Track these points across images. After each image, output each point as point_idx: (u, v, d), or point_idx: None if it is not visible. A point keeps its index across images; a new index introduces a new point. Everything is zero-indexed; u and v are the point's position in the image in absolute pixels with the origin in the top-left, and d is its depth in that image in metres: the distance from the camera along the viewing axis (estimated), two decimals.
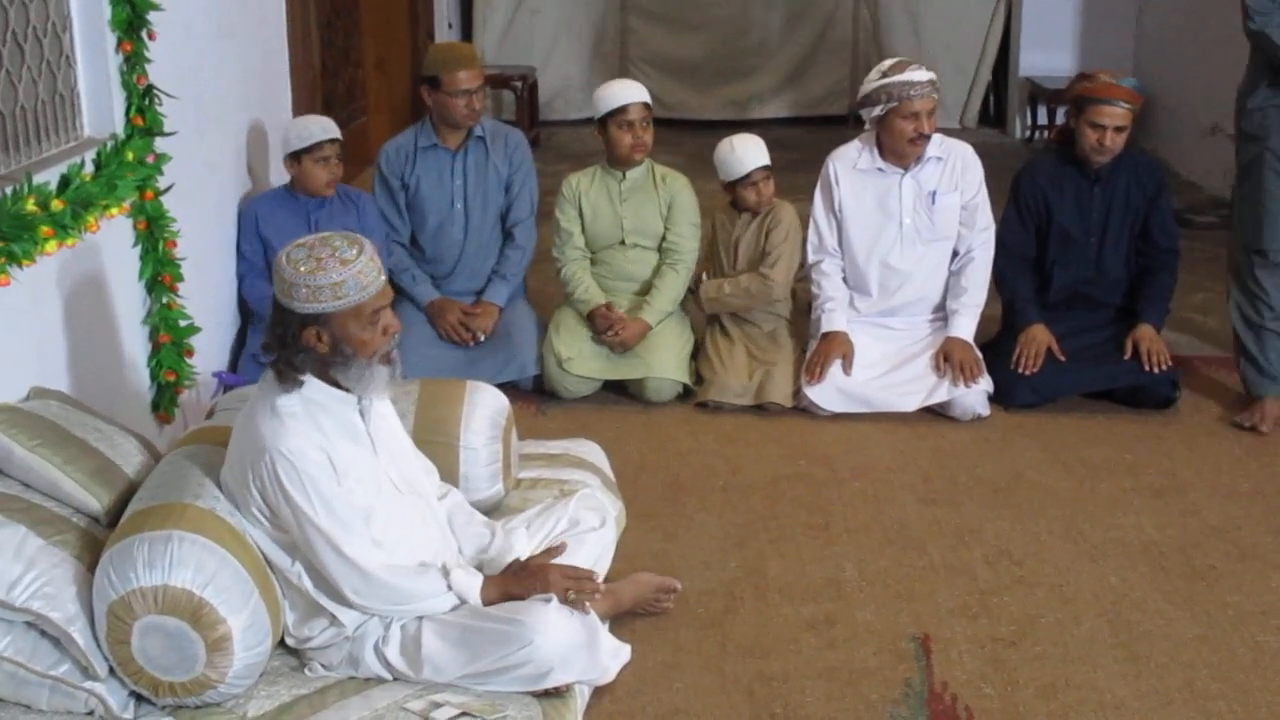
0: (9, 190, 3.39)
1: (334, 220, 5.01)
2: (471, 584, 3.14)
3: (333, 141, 5.01)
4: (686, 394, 5.18)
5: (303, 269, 2.96)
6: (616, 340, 5.11)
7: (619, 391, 5.19)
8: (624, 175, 5.24)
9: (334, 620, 3.13)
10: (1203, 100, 8.27)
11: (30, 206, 3.42)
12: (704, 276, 5.39)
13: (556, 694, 3.10)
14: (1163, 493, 4.40)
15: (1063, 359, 5.03)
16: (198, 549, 2.95)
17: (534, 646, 3.04)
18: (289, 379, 3.03)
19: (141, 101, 4.11)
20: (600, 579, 3.56)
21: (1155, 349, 4.99)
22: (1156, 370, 4.97)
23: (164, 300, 4.28)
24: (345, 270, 2.96)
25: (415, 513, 3.25)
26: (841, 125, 10.59)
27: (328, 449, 3.04)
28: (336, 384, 3.08)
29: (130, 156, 4.00)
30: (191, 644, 2.92)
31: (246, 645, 2.97)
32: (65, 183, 3.66)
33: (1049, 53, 9.84)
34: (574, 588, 3.17)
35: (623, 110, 5.16)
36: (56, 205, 3.52)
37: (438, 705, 3.02)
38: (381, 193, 5.33)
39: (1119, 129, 4.93)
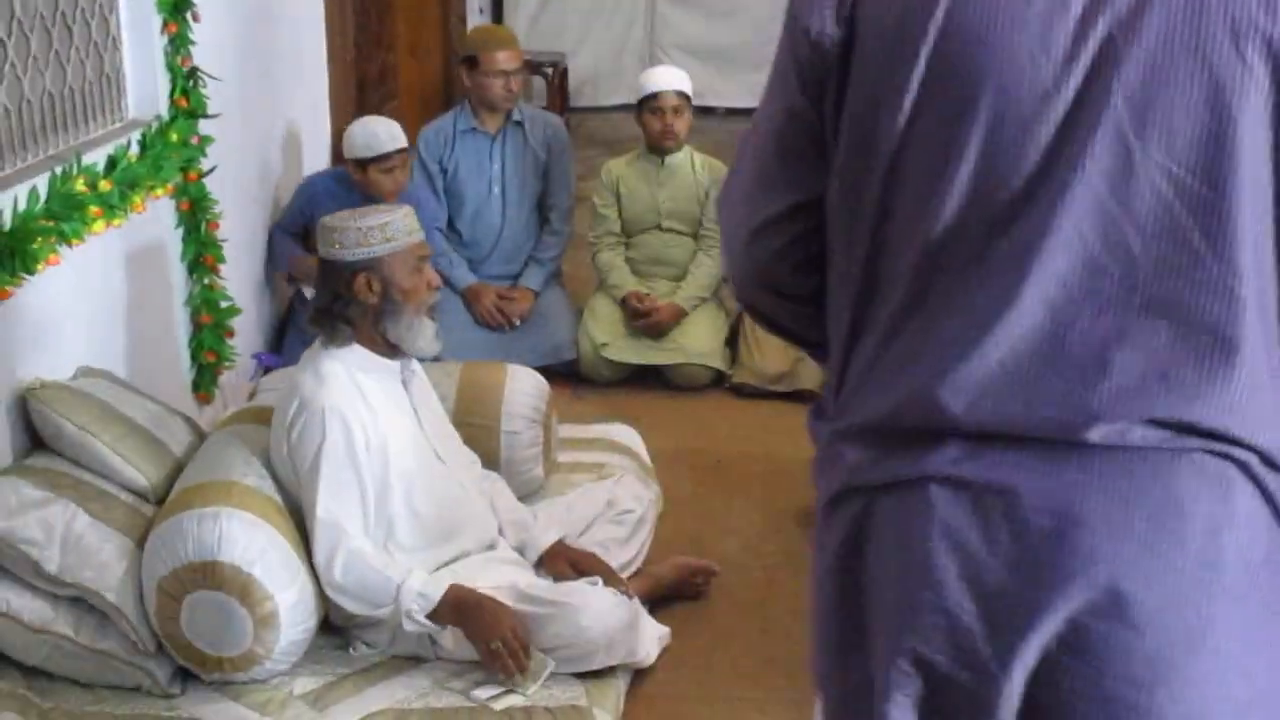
0: (58, 170, 3.42)
1: None
2: (425, 596, 3.05)
3: (400, 152, 4.80)
4: (719, 380, 5.19)
5: (349, 218, 3.09)
6: (650, 324, 5.12)
7: (653, 377, 5.20)
8: (662, 161, 5.25)
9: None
10: None
11: (80, 187, 3.45)
12: None
13: (599, 675, 3.12)
14: None
15: None
16: (246, 526, 2.98)
17: (581, 628, 3.07)
18: (340, 334, 3.08)
19: (185, 83, 4.14)
20: (637, 562, 3.61)
21: None
22: None
23: (205, 281, 4.31)
24: (389, 215, 3.10)
25: (455, 483, 3.28)
26: None
27: (365, 417, 3.08)
28: (383, 342, 3.12)
29: (174, 138, 4.03)
30: (239, 619, 2.95)
31: (293, 621, 3.00)
32: (112, 163, 3.69)
33: None
34: (504, 655, 3.01)
35: (655, 97, 5.18)
36: (104, 186, 3.55)
37: (479, 683, 3.05)
38: (420, 176, 5.34)
39: None
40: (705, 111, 10.16)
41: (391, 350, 3.17)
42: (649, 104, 5.20)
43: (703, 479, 4.40)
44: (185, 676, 3.06)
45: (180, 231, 4.24)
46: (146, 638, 2.99)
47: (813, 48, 1.59)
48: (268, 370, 4.47)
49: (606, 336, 5.15)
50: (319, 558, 3.06)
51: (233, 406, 4.49)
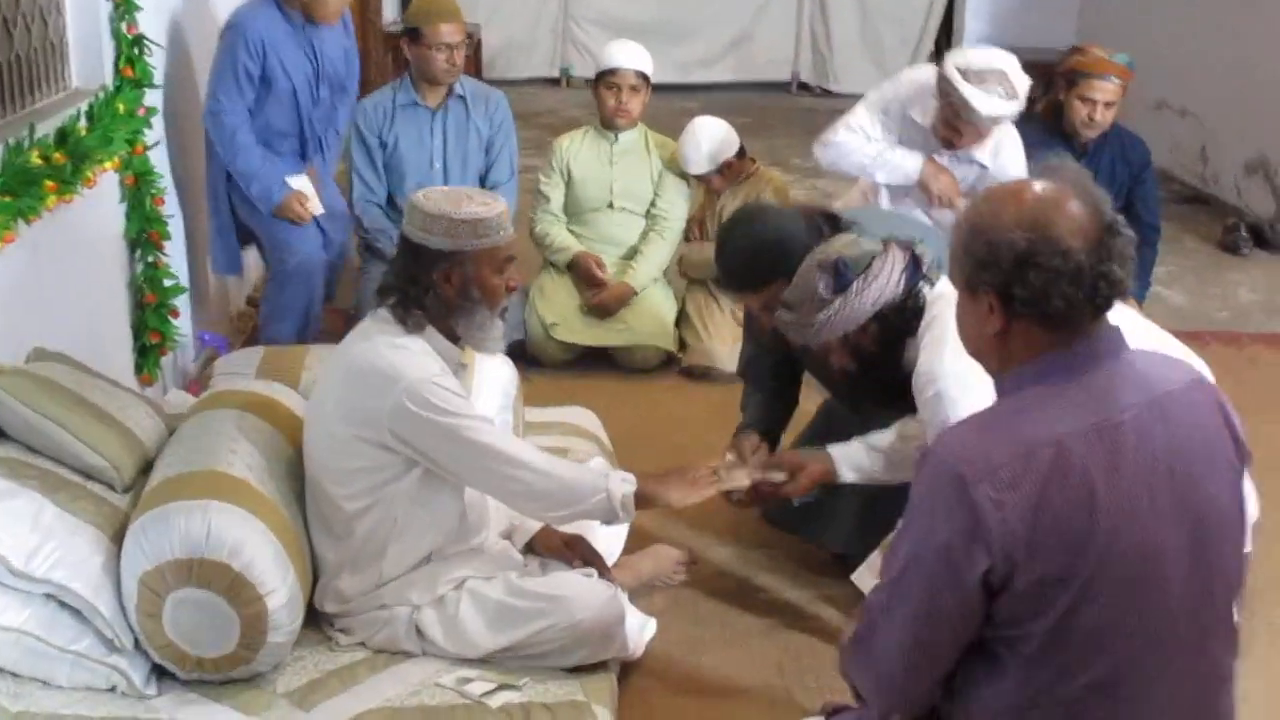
0: (9, 142, 3.24)
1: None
2: (625, 488, 3.01)
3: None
4: (668, 362, 5.13)
5: (446, 204, 2.92)
6: (599, 303, 5.04)
7: (601, 359, 5.12)
8: (616, 138, 5.16)
9: (382, 582, 3.04)
10: (1149, 73, 8.33)
11: (35, 159, 3.27)
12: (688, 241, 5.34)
13: (592, 670, 3.04)
14: None
15: None
16: (236, 521, 2.84)
17: (575, 622, 2.99)
18: (412, 319, 2.95)
19: (131, 51, 3.96)
20: (617, 552, 3.54)
21: None
22: None
23: (150, 259, 4.14)
24: (487, 210, 2.93)
25: None
26: (785, 91, 10.58)
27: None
28: (450, 333, 3.00)
29: (121, 109, 3.85)
30: (226, 619, 2.82)
31: (281, 623, 2.87)
32: (63, 136, 3.51)
33: (994, 23, 9.89)
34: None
35: (612, 73, 5.08)
36: (58, 159, 3.38)
37: (469, 680, 2.95)
38: (359, 151, 5.19)
39: (1109, 104, 4.94)
40: None
41: (455, 339, 3.04)
42: (606, 79, 5.11)
43: (664, 464, 4.30)
44: (160, 675, 2.91)
45: (124, 207, 4.06)
46: (124, 635, 2.84)
47: None
48: (213, 351, 4.31)
49: (555, 316, 5.05)
50: (516, 483, 2.93)
51: (173, 389, 4.34)
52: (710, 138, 5.13)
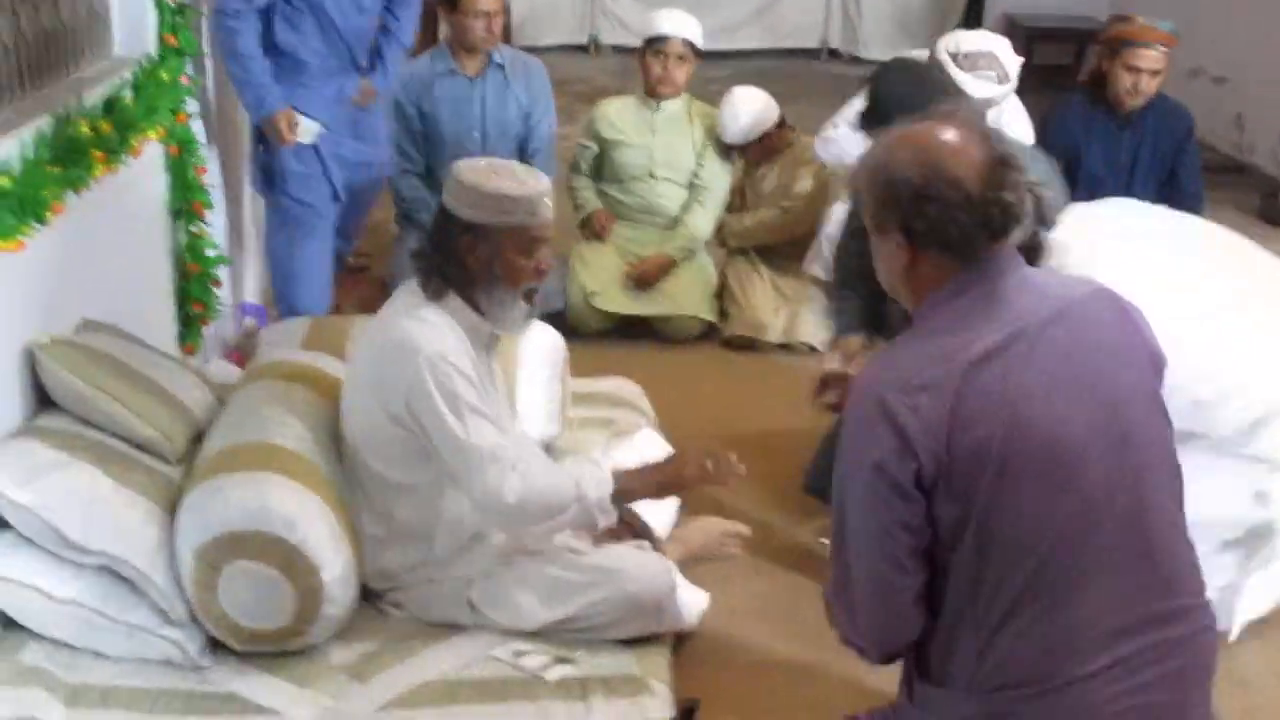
0: (58, 112, 3.21)
1: None
2: (602, 485, 2.96)
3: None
4: (708, 333, 5.10)
5: (478, 176, 2.89)
6: (640, 274, 5.02)
7: (640, 328, 5.09)
8: (658, 106, 5.13)
9: (429, 557, 3.02)
10: (1184, 41, 8.25)
11: (84, 130, 3.25)
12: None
13: (646, 643, 3.03)
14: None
15: None
16: (294, 494, 2.83)
17: (628, 594, 2.97)
18: (436, 288, 2.93)
19: (174, 20, 3.93)
20: (672, 520, 3.52)
21: None
22: None
23: (192, 229, 4.11)
24: (518, 188, 2.88)
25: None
26: (814, 58, 10.50)
27: (473, 365, 2.95)
28: (476, 307, 2.97)
29: (165, 78, 3.82)
30: (281, 593, 2.81)
31: (336, 596, 2.86)
32: (109, 105, 3.48)
33: None
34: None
35: (661, 40, 5.05)
36: (105, 128, 3.35)
37: (524, 653, 2.94)
38: (398, 121, 5.15)
39: (1154, 73, 4.87)
40: None
41: (484, 314, 3.02)
42: (654, 46, 5.07)
43: (708, 437, 4.28)
44: (215, 646, 2.91)
45: (166, 177, 4.03)
46: (179, 607, 2.84)
47: None
48: (260, 321, 4.30)
49: (597, 285, 5.03)
50: (483, 487, 2.87)
51: (215, 358, 4.32)
52: (750, 110, 5.10)
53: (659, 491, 3.11)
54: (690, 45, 5.12)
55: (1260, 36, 7.72)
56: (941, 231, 2.15)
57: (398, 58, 4.76)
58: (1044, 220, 2.98)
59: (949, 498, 2.09)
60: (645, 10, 10.26)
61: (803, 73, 9.87)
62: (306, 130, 4.40)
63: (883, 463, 2.09)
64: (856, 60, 10.26)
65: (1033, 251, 3.01)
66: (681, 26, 5.12)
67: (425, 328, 2.89)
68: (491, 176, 2.90)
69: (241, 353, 4.36)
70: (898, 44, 9.03)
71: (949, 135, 2.17)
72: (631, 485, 3.01)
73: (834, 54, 10.55)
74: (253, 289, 4.88)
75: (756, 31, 10.43)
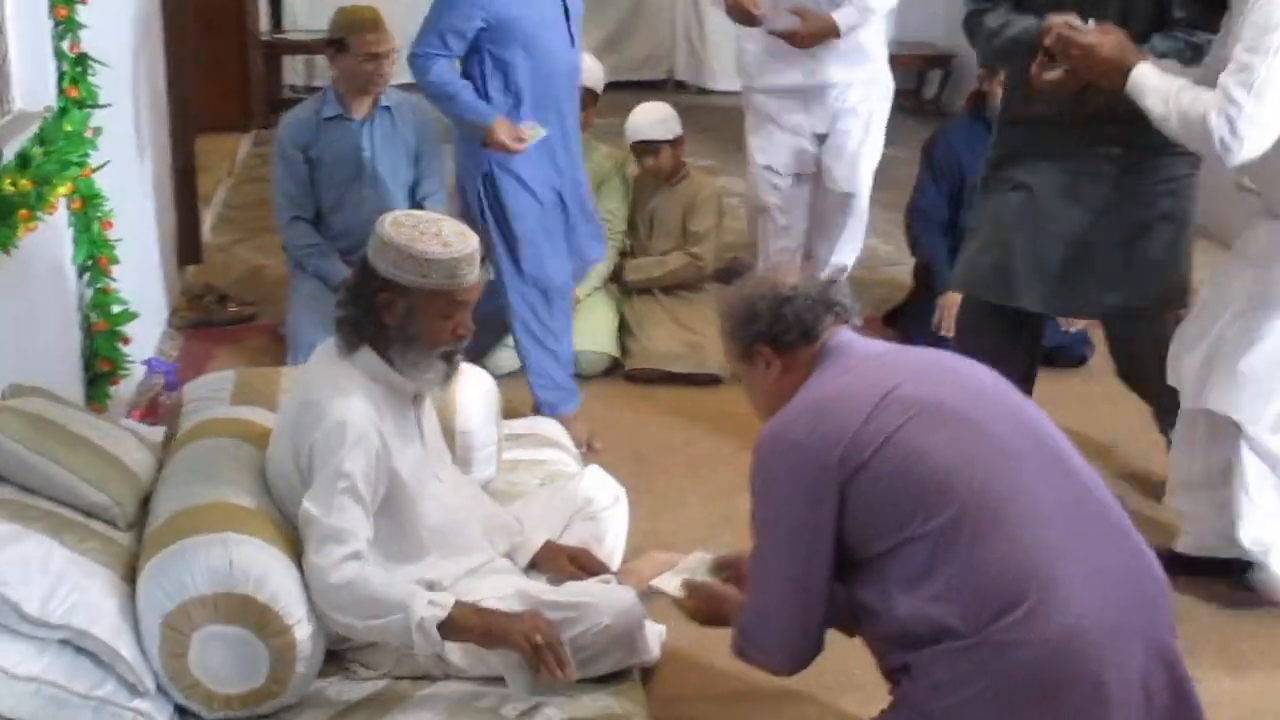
0: None
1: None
2: (434, 611, 2.78)
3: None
4: (613, 367, 5.13)
5: (401, 234, 2.82)
6: None
7: None
8: None
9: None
10: None
11: (8, 186, 3.14)
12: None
13: (619, 680, 3.02)
14: (1106, 451, 4.54)
15: None
16: (257, 551, 2.76)
17: (605, 627, 2.95)
18: (350, 341, 2.88)
19: (75, 70, 3.83)
20: (617, 561, 3.51)
21: None
22: (1068, 331, 5.12)
23: (99, 285, 4.00)
24: (441, 251, 2.81)
25: (452, 505, 3.12)
26: (661, 89, 10.61)
27: (384, 434, 2.88)
28: (391, 363, 2.92)
29: (69, 129, 3.72)
30: (255, 653, 2.74)
31: (307, 652, 2.79)
32: (24, 160, 3.38)
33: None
34: (549, 649, 2.80)
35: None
36: (25, 185, 3.25)
37: (506, 699, 2.90)
38: (283, 167, 5.08)
39: None
40: None
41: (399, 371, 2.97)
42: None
43: (630, 469, 4.29)
44: (184, 714, 2.82)
45: (71, 232, 3.92)
46: (147, 678, 2.74)
47: None
48: (166, 378, 4.19)
49: None
50: (316, 559, 2.78)
51: (121, 418, 4.20)
52: (661, 109, 5.32)
53: (484, 638, 2.83)
54: (590, 91, 5.16)
55: None
56: (800, 322, 2.60)
57: None
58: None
59: (872, 477, 2.40)
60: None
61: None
62: (533, 133, 4.32)
63: (809, 490, 2.44)
64: (704, 91, 10.40)
65: None
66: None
67: (336, 394, 2.85)
68: (416, 236, 2.83)
69: (148, 411, 4.25)
70: None
71: (770, 271, 2.91)
72: (466, 622, 2.81)
73: (680, 85, 10.67)
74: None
75: (607, 65, 10.44)
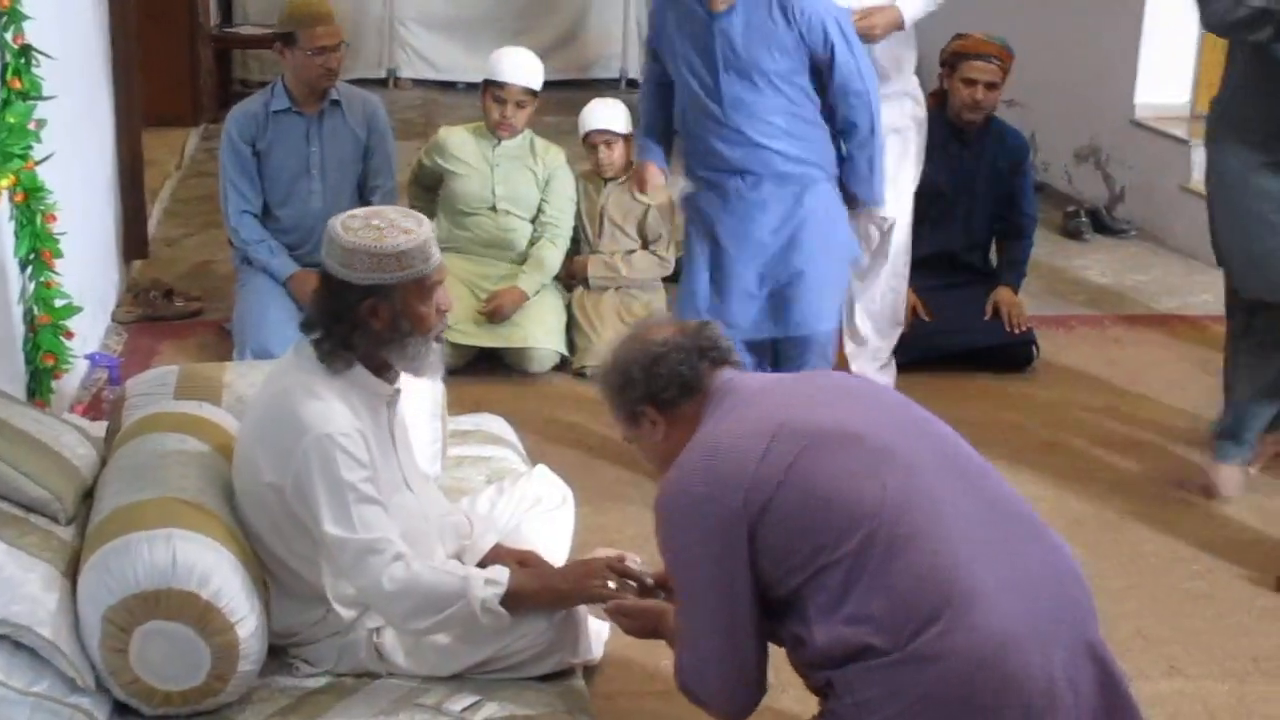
0: None
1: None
2: (493, 590, 2.84)
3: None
4: (561, 364, 5.13)
5: (364, 237, 2.79)
6: (493, 308, 5.02)
7: (494, 361, 5.09)
8: (499, 141, 5.14)
9: (329, 612, 2.96)
10: None
11: None
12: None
13: (561, 679, 3.02)
14: (1052, 449, 4.58)
15: (928, 319, 5.16)
16: (201, 548, 2.75)
17: (544, 629, 2.95)
18: (338, 359, 2.85)
19: (18, 62, 3.79)
20: (565, 557, 3.51)
21: (1015, 310, 5.19)
22: (1016, 331, 5.17)
23: (42, 279, 3.97)
24: (409, 240, 2.80)
25: (420, 515, 3.10)
26: (614, 88, 10.61)
27: (367, 439, 2.87)
28: (383, 366, 2.91)
29: (12, 122, 3.69)
30: (196, 650, 2.73)
31: (251, 651, 2.79)
32: None
33: None
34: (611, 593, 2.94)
35: (500, 85, 5.08)
36: None
37: (450, 697, 2.90)
38: (230, 160, 5.06)
39: (990, 85, 5.10)
40: (447, 86, 10.05)
41: (387, 372, 2.96)
42: (493, 89, 5.11)
43: (578, 467, 4.31)
44: (124, 711, 2.81)
45: (13, 225, 3.88)
46: (86, 674, 2.72)
47: None
48: (110, 373, 4.16)
49: (451, 318, 4.99)
50: (363, 579, 2.80)
51: (64, 413, 4.17)
52: (614, 105, 5.33)
53: (556, 603, 2.95)
54: (530, 91, 5.15)
55: (1048, 60, 8.07)
56: (677, 377, 2.59)
57: None
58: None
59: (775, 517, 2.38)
60: (443, 43, 10.32)
61: None
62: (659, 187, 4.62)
63: (720, 533, 2.41)
64: None
65: None
66: (521, 72, 5.15)
67: (316, 405, 2.82)
68: (379, 234, 2.81)
69: (92, 407, 4.22)
70: None
71: (636, 327, 2.80)
72: (527, 589, 2.89)
73: (632, 84, 10.66)
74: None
75: (559, 63, 10.46)
